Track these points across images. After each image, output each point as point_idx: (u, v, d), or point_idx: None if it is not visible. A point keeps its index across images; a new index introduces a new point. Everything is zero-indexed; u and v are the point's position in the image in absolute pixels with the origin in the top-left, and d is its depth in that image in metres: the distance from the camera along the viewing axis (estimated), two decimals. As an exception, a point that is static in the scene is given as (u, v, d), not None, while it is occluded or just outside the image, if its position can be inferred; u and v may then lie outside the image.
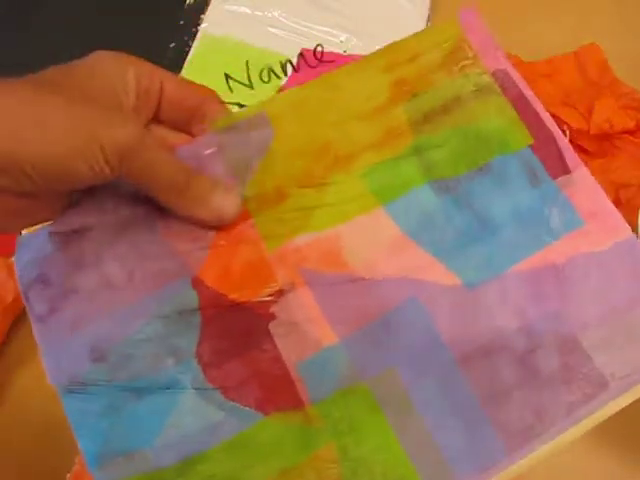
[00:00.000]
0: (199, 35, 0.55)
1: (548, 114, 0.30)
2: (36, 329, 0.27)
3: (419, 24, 0.57)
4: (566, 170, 0.29)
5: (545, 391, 0.26)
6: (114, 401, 0.26)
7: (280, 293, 0.27)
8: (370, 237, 0.28)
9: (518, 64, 0.52)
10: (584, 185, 0.29)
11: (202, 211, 0.27)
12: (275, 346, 0.27)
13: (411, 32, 0.56)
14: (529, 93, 0.30)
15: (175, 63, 0.53)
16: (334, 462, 0.26)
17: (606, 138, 0.47)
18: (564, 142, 0.29)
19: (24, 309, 0.41)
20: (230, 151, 0.29)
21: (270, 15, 0.56)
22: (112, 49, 0.55)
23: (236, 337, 0.27)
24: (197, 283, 0.27)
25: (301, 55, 0.53)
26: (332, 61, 0.53)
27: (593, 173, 0.45)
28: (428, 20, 0.57)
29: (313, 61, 0.53)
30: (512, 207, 0.28)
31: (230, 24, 0.55)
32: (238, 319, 0.27)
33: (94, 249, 0.28)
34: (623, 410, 0.40)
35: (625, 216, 0.44)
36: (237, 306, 0.27)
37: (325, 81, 0.30)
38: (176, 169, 0.26)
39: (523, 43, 0.54)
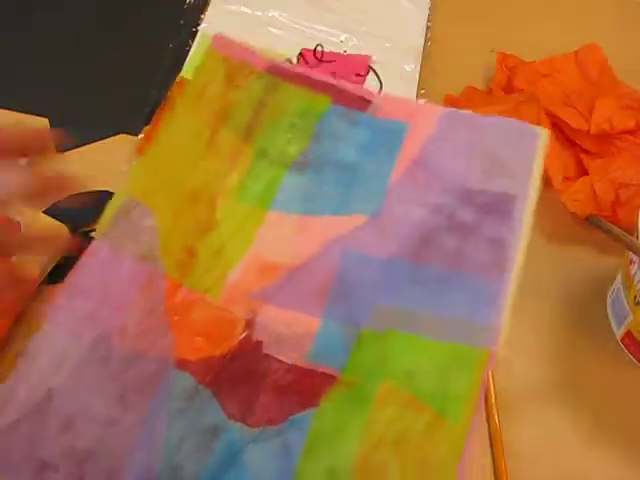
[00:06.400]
0: (199, 35, 0.55)
1: (320, 74, 0.35)
2: None
3: (419, 23, 0.56)
4: (367, 102, 0.34)
5: (484, 229, 0.31)
6: None
7: (250, 324, 0.30)
8: (279, 236, 0.31)
9: (518, 64, 0.52)
10: (389, 103, 0.34)
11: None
12: (281, 361, 0.29)
13: (411, 31, 0.57)
14: (299, 69, 0.35)
15: (175, 63, 0.53)
16: (398, 390, 0.28)
17: (606, 138, 0.47)
18: (352, 86, 0.34)
19: (23, 309, 0.41)
20: (126, 245, 0.31)
21: (270, 15, 0.56)
22: (112, 49, 0.55)
23: (248, 380, 0.29)
24: (182, 364, 0.29)
25: (301, 55, 0.53)
26: (332, 61, 0.52)
27: (593, 173, 0.45)
28: (428, 20, 0.57)
29: (313, 61, 0.52)
30: (354, 147, 0.33)
31: (230, 24, 0.55)
32: (236, 367, 0.29)
33: (69, 408, 0.28)
34: (623, 410, 0.40)
35: (625, 216, 0.44)
36: (227, 358, 0.29)
37: (158, 141, 0.33)
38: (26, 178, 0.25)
39: (523, 43, 0.54)
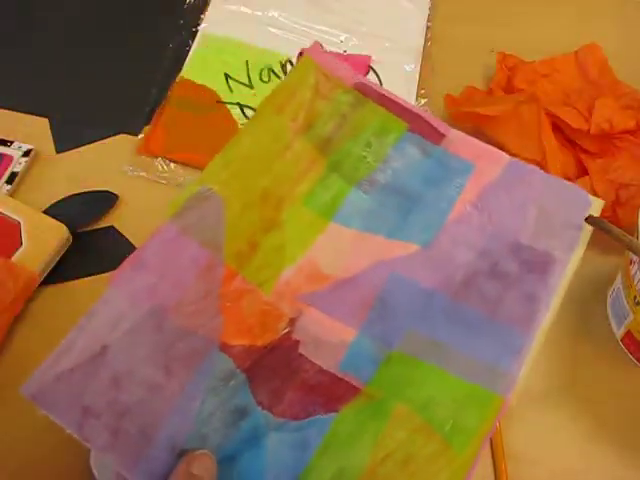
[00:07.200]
0: (199, 35, 0.55)
1: (403, 99, 0.36)
2: (106, 458, 0.28)
3: (419, 24, 0.57)
4: (442, 135, 0.35)
5: (523, 284, 0.33)
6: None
7: (292, 322, 0.32)
8: (335, 247, 0.33)
9: (518, 64, 0.52)
10: (460, 140, 0.35)
11: None
12: (313, 363, 0.31)
13: (411, 31, 0.57)
14: (384, 90, 0.36)
15: (175, 63, 0.53)
16: (411, 413, 0.30)
17: (606, 138, 0.47)
18: (429, 116, 0.36)
19: (23, 309, 0.41)
20: (194, 230, 0.33)
21: (270, 15, 0.56)
22: (112, 48, 0.55)
23: (280, 373, 0.31)
24: (225, 347, 0.31)
25: (301, 55, 0.53)
26: (332, 61, 0.53)
27: (593, 173, 0.45)
28: (428, 20, 0.57)
29: (313, 61, 0.52)
30: (422, 177, 0.35)
31: (230, 24, 0.55)
32: (273, 359, 0.31)
33: (119, 366, 0.30)
34: (623, 410, 0.40)
35: (625, 216, 0.44)
36: (266, 349, 0.31)
37: (240, 136, 0.35)
38: None
39: (523, 43, 0.54)
